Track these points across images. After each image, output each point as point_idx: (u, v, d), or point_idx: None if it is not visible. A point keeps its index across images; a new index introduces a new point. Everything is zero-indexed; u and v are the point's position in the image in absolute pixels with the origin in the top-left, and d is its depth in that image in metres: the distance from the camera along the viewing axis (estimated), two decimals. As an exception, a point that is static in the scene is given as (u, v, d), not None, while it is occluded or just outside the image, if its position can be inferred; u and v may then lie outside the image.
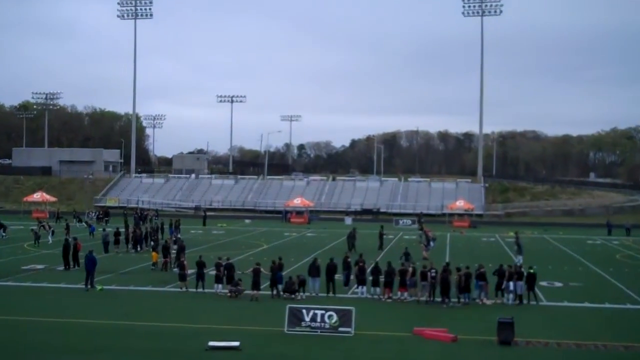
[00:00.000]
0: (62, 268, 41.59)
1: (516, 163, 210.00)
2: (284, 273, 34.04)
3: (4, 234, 59.52)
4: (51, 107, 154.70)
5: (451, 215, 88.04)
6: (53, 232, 57.77)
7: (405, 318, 28.78)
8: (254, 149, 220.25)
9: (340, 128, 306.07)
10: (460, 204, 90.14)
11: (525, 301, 32.35)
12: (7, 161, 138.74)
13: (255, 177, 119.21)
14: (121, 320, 27.70)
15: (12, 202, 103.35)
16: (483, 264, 34.06)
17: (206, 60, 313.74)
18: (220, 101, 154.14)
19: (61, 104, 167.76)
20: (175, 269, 40.40)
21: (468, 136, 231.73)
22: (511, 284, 32.41)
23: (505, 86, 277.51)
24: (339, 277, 36.13)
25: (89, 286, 34.89)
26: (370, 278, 33.74)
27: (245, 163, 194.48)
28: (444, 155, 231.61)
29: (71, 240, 42.95)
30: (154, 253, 42.64)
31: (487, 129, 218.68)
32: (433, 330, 25.89)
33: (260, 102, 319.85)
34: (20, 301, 31.69)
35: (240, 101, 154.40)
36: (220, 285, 33.77)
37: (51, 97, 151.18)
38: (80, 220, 74.48)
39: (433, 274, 32.33)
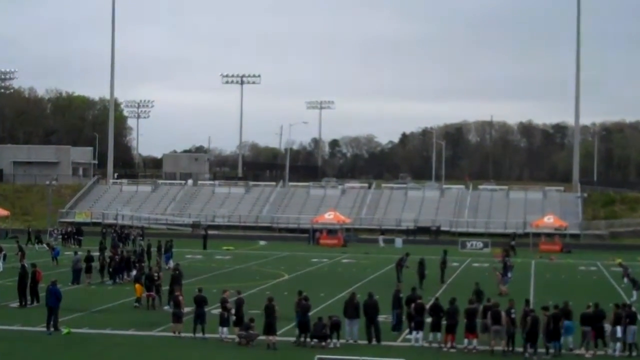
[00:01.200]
0: (16, 304, 41.95)
1: (625, 165, 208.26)
2: (310, 314, 34.09)
3: None
4: (2, 90, 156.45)
5: (537, 235, 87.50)
6: (5, 257, 58.26)
7: (475, 374, 28.68)
8: (271, 147, 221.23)
9: (386, 118, 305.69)
10: (550, 221, 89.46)
11: (634, 353, 32.07)
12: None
13: (273, 183, 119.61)
14: (94, 374, 27.89)
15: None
16: (590, 304, 33.66)
17: (206, 28, 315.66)
18: (227, 82, 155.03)
19: (16, 87, 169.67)
20: (167, 307, 40.64)
21: (560, 129, 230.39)
22: (619, 328, 32.16)
23: (611, 62, 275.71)
24: (385, 317, 36.16)
25: (52, 329, 35.15)
26: (429, 320, 33.68)
27: (260, 165, 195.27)
28: (527, 155, 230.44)
29: (29, 267, 43.29)
30: (137, 285, 42.86)
31: (585, 120, 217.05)
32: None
33: (279, 83, 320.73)
34: (-39, 348, 32.02)
35: (253, 82, 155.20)
36: (226, 329, 33.90)
37: (2, 77, 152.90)
38: (40, 241, 75.05)
39: (512, 315, 32.18)
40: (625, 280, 51.85)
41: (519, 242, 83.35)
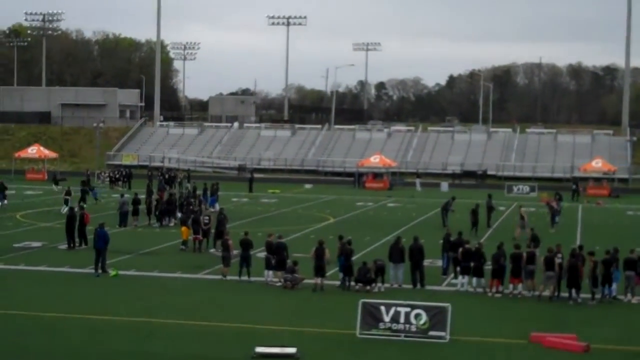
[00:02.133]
0: (65, 246, 42.58)
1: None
2: (354, 258, 34.23)
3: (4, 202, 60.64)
4: (50, 32, 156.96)
5: (584, 179, 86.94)
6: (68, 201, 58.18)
7: (520, 319, 28.75)
8: (317, 89, 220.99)
9: (434, 60, 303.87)
10: (598, 165, 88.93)
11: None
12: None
13: (319, 126, 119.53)
14: (142, 316, 28.31)
15: None
16: (636, 249, 33.53)
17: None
18: (273, 24, 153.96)
19: (63, 29, 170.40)
20: (212, 250, 41.06)
21: (610, 71, 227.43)
22: (665, 275, 32.02)
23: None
24: (430, 262, 36.25)
25: (100, 270, 35.72)
26: (472, 265, 33.66)
27: (306, 108, 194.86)
28: (576, 98, 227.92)
29: (77, 210, 43.81)
30: (183, 228, 43.23)
31: (636, 61, 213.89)
32: (557, 336, 25.78)
33: (326, 25, 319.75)
34: (10, 289, 32.63)
35: (300, 24, 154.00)
36: (271, 272, 34.17)
37: (50, 18, 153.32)
38: (84, 184, 75.34)
39: (559, 261, 32.07)
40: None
41: (566, 186, 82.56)
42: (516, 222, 49.79)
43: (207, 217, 43.41)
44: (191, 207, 48.60)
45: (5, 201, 60.63)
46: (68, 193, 59.12)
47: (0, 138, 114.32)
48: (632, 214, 65.83)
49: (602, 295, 31.78)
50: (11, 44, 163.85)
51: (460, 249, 34.23)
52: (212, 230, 42.52)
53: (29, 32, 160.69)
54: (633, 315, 29.31)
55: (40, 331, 26.24)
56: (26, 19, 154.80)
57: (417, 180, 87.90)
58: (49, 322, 27.42)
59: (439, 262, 37.15)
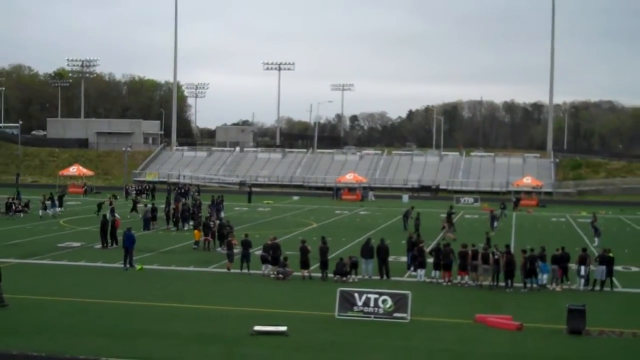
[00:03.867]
0: (99, 246, 42.41)
1: (590, 136, 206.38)
2: (333, 255, 34.17)
3: (58, 210, 60.09)
4: (87, 75, 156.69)
5: (517, 192, 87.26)
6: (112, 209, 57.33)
7: (467, 304, 28.74)
8: (303, 121, 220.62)
9: (396, 98, 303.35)
10: (528, 181, 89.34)
11: (597, 287, 32.02)
12: (42, 133, 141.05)
13: (304, 150, 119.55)
14: (162, 302, 28.19)
15: (47, 176, 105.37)
16: (559, 247, 33.62)
17: (252, 23, 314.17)
18: (267, 69, 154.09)
19: (98, 72, 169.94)
20: (219, 248, 40.98)
21: (537, 107, 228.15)
22: (582, 268, 32.13)
23: (579, 52, 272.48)
24: (394, 258, 36.28)
25: (128, 265, 35.58)
26: (431, 260, 33.72)
27: (294, 135, 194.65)
28: (510, 128, 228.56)
29: (109, 216, 43.67)
30: (196, 231, 43.22)
31: (558, 99, 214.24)
32: (496, 317, 25.81)
33: (309, 69, 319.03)
34: (56, 280, 32.49)
35: (288, 69, 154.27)
36: (268, 266, 34.13)
37: (87, 64, 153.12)
38: (115, 197, 74.92)
39: (496, 257, 32.17)
40: (592, 229, 51.52)
41: (502, 198, 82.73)
42: (446, 228, 50.17)
43: (212, 222, 43.51)
44: (200, 215, 48.67)
45: (58, 209, 60.19)
46: (111, 203, 58.55)
47: (47, 160, 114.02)
48: (555, 220, 65.98)
49: (530, 285, 31.92)
50: (56, 84, 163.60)
51: (415, 248, 34.44)
52: (216, 234, 42.52)
53: (70, 74, 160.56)
54: (557, 301, 29.34)
55: (80, 313, 26.13)
56: (68, 65, 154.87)
57: (371, 193, 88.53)
58: (87, 305, 27.29)
59: (402, 258, 37.23)
